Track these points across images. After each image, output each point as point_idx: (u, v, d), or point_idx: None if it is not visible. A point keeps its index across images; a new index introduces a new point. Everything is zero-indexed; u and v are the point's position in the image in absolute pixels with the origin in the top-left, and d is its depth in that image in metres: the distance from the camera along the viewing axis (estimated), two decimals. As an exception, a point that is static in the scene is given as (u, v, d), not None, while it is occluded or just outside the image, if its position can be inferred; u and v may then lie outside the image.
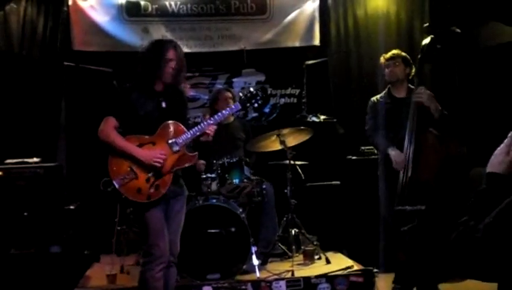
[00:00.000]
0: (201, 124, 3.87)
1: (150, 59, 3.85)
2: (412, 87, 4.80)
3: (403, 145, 4.57)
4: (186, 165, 3.93)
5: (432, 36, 4.67)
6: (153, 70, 3.84)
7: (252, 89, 4.03)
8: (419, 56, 4.67)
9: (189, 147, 3.95)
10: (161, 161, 3.77)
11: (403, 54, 4.89)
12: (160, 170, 3.79)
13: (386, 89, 4.95)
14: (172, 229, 3.90)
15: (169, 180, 3.83)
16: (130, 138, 3.83)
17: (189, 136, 3.86)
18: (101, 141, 3.81)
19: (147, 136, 3.84)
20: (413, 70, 4.84)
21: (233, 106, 4.03)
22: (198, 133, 3.87)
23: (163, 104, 3.90)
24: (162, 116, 3.87)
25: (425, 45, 4.66)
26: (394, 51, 4.90)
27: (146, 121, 3.84)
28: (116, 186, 3.77)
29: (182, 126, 3.89)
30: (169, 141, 3.84)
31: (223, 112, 3.95)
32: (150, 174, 3.79)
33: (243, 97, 4.04)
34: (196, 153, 3.96)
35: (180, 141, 3.85)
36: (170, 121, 3.87)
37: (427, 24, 4.86)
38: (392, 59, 4.84)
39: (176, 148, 3.85)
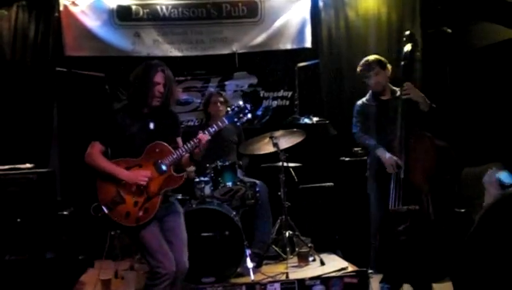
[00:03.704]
0: (188, 145, 3.84)
1: (138, 83, 3.87)
2: (394, 88, 4.85)
3: (392, 146, 4.63)
4: (174, 186, 3.90)
5: (412, 44, 4.71)
6: (141, 94, 3.85)
7: (240, 103, 4.02)
8: (402, 63, 4.70)
9: (177, 167, 3.92)
10: (145, 180, 3.76)
11: (377, 58, 4.91)
12: (147, 191, 3.78)
13: (370, 92, 4.98)
14: (174, 248, 3.85)
15: (157, 202, 3.81)
16: (117, 162, 3.83)
17: (175, 156, 3.83)
18: (87, 165, 3.83)
19: (133, 159, 3.83)
20: (390, 68, 4.89)
21: (219, 123, 3.97)
22: (184, 154, 3.85)
23: (151, 126, 3.90)
24: (149, 138, 3.86)
25: (407, 52, 4.70)
26: (369, 59, 4.90)
27: (132, 143, 3.84)
28: (106, 211, 3.78)
29: (169, 147, 3.87)
30: (156, 163, 3.83)
31: (209, 129, 3.91)
32: (137, 198, 3.78)
33: (230, 112, 4.04)
34: (183, 173, 3.93)
35: (167, 162, 3.83)
36: (156, 142, 3.85)
37: (408, 32, 4.88)
38: (370, 69, 4.85)
39: (163, 169, 3.83)
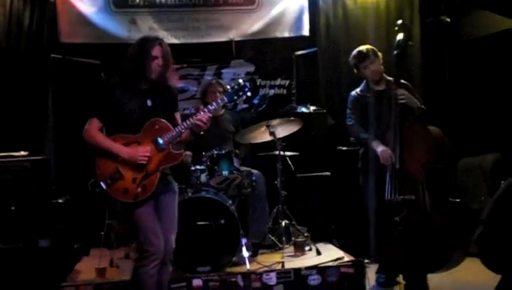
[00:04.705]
0: (187, 122, 3.82)
1: (136, 56, 3.82)
2: (389, 78, 4.83)
3: (386, 137, 4.64)
4: (172, 163, 3.89)
5: (405, 33, 4.73)
6: (139, 67, 3.80)
7: (240, 81, 3.97)
8: (396, 52, 4.69)
9: (176, 144, 3.89)
10: (146, 159, 3.74)
11: (370, 47, 4.89)
12: (146, 168, 3.76)
13: (364, 82, 4.96)
14: (164, 226, 3.86)
15: (156, 179, 3.79)
16: (116, 138, 3.80)
17: (174, 134, 3.80)
18: (85, 142, 3.80)
19: (132, 135, 3.80)
20: (381, 57, 4.88)
21: (219, 100, 3.96)
22: (183, 131, 3.82)
23: (149, 102, 3.86)
24: (147, 114, 3.82)
25: (400, 40, 4.70)
26: (362, 49, 4.87)
27: (130, 119, 3.80)
28: (104, 187, 3.75)
29: (168, 124, 3.84)
30: (155, 140, 3.80)
31: (209, 107, 3.87)
32: (136, 174, 3.76)
33: (229, 90, 3.99)
34: (182, 151, 3.92)
35: (166, 139, 3.80)
36: (156, 119, 3.82)
37: (400, 21, 4.88)
38: (365, 59, 4.83)
39: (162, 146, 3.80)
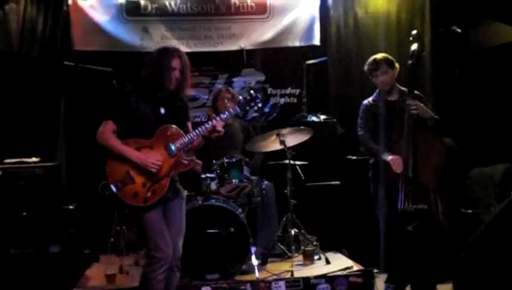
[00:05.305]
0: (199, 129, 3.87)
1: (154, 67, 3.88)
2: (403, 88, 4.82)
3: (397, 147, 4.63)
4: (183, 169, 3.94)
5: (419, 44, 4.72)
6: (157, 78, 3.86)
7: (252, 92, 4.03)
8: (410, 62, 4.69)
9: (187, 151, 3.94)
10: (157, 167, 3.79)
11: (385, 56, 4.87)
12: (156, 174, 3.80)
13: (377, 92, 4.95)
14: (172, 232, 3.89)
15: (166, 185, 3.84)
16: (128, 142, 3.84)
17: (186, 140, 3.86)
18: (99, 144, 3.84)
19: (145, 140, 3.85)
20: (398, 68, 4.86)
21: (231, 110, 4.02)
22: (195, 138, 3.89)
23: (162, 110, 3.92)
24: (160, 121, 3.88)
25: (414, 51, 4.69)
26: (377, 57, 4.86)
27: (144, 125, 3.85)
28: (114, 190, 3.79)
29: (180, 130, 3.89)
30: (167, 146, 3.85)
31: (221, 115, 3.94)
32: (146, 179, 3.80)
33: (242, 101, 4.05)
34: (193, 157, 3.98)
35: (177, 145, 3.85)
36: (168, 125, 3.87)
37: (415, 31, 4.87)
38: (377, 68, 4.81)
39: (173, 152, 3.85)
